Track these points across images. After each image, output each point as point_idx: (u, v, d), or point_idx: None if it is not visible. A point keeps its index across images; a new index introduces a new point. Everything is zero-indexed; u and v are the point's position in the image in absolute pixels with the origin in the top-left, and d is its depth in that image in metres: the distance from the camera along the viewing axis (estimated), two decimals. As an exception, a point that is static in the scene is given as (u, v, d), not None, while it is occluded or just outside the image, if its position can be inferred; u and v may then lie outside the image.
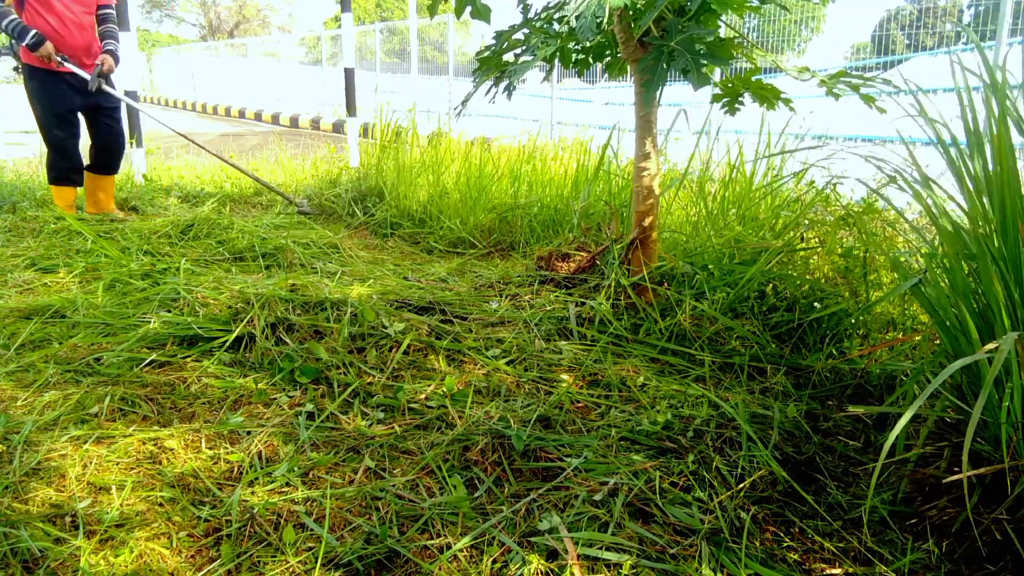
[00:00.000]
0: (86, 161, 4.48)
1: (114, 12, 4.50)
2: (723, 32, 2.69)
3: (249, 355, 2.32)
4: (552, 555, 1.42)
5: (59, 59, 4.14)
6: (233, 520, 1.52)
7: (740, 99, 2.63)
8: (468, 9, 2.44)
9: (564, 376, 2.24)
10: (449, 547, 1.45)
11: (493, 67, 2.53)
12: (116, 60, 4.40)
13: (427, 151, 5.18)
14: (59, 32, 4.13)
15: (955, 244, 1.70)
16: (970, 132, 1.73)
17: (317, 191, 5.60)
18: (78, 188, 4.51)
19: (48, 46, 4.06)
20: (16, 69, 4.39)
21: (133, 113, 5.97)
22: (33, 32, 4.00)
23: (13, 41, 4.25)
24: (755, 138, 3.54)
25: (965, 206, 1.73)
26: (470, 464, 1.75)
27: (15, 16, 4.02)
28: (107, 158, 4.49)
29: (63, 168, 4.32)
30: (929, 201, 1.80)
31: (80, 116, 4.35)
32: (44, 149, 4.38)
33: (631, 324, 2.55)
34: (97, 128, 4.42)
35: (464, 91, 12.08)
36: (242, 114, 17.70)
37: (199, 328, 2.42)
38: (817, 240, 2.71)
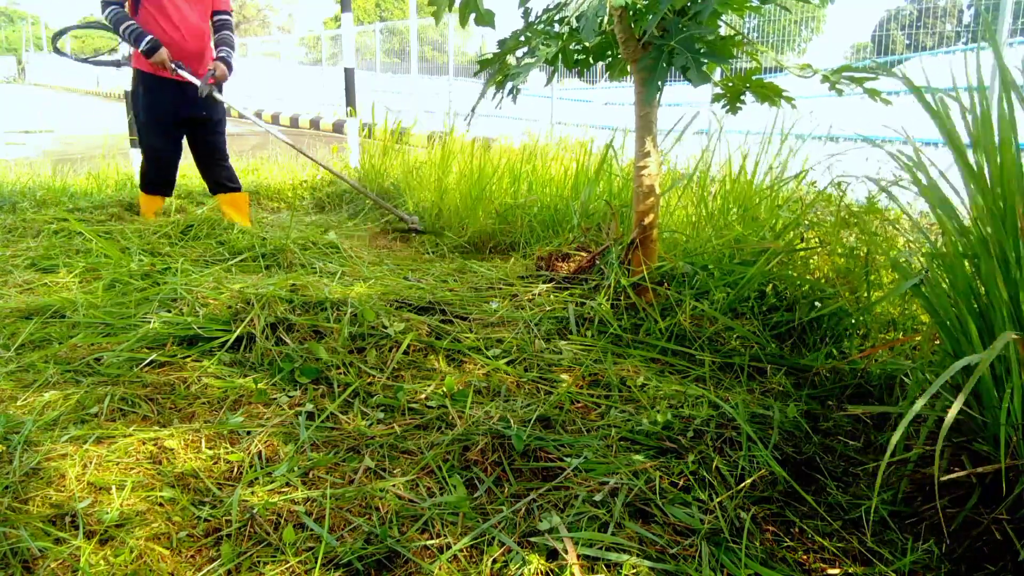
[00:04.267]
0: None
1: (231, 20, 4.28)
2: (723, 31, 2.69)
3: (249, 355, 2.32)
4: (552, 555, 1.42)
5: (173, 66, 3.93)
6: (233, 520, 1.52)
7: (741, 98, 2.63)
8: (472, 16, 2.44)
9: (564, 376, 2.24)
10: (449, 547, 1.45)
11: (496, 71, 2.53)
12: (230, 68, 4.19)
13: (428, 152, 5.18)
14: (172, 36, 3.93)
15: (957, 243, 1.70)
16: (977, 129, 1.73)
17: (316, 191, 5.60)
18: (166, 199, 4.36)
19: (163, 52, 3.86)
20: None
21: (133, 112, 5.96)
22: (149, 38, 3.83)
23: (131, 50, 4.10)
24: (757, 138, 3.54)
25: (968, 204, 1.73)
26: (470, 464, 1.75)
27: (132, 21, 3.84)
28: (214, 175, 4.32)
29: (152, 178, 4.17)
30: (934, 201, 1.80)
31: (181, 130, 4.16)
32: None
33: (631, 324, 2.55)
34: (198, 145, 4.25)
35: (464, 91, 12.10)
36: (242, 114, 17.68)
37: (199, 328, 2.42)
38: (817, 240, 2.71)
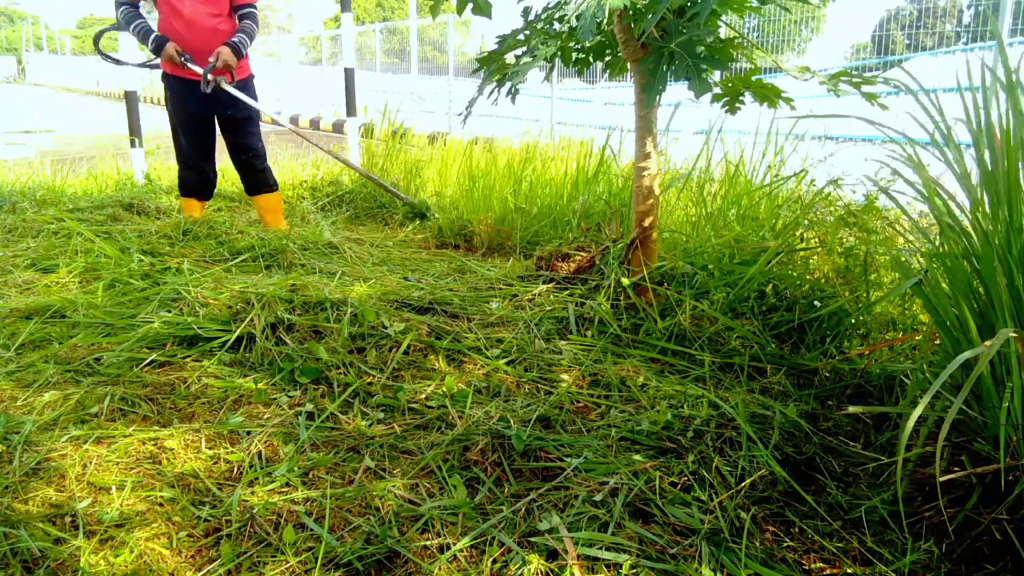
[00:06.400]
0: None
1: (255, 11, 4.00)
2: (723, 32, 2.69)
3: (249, 355, 2.32)
4: (552, 555, 1.42)
5: (182, 60, 3.79)
6: (233, 520, 1.52)
7: (740, 98, 2.62)
8: (469, 7, 2.43)
9: (564, 376, 2.24)
10: (449, 547, 1.45)
11: (495, 68, 2.53)
12: (236, 52, 3.88)
13: (429, 152, 5.18)
14: (182, 34, 3.82)
15: (956, 243, 1.70)
16: (978, 129, 1.73)
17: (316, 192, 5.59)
18: (204, 202, 4.24)
19: (169, 47, 3.77)
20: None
21: (133, 112, 5.96)
22: (155, 35, 3.79)
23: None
24: (756, 138, 3.54)
25: (967, 205, 1.73)
26: (470, 464, 1.75)
27: (142, 19, 3.81)
28: (246, 176, 4.21)
29: (185, 180, 4.11)
30: (931, 201, 1.80)
31: (209, 130, 4.04)
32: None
33: (631, 324, 2.55)
34: (228, 145, 4.13)
35: (464, 91, 12.12)
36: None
37: (199, 328, 2.42)
38: (817, 240, 2.71)
